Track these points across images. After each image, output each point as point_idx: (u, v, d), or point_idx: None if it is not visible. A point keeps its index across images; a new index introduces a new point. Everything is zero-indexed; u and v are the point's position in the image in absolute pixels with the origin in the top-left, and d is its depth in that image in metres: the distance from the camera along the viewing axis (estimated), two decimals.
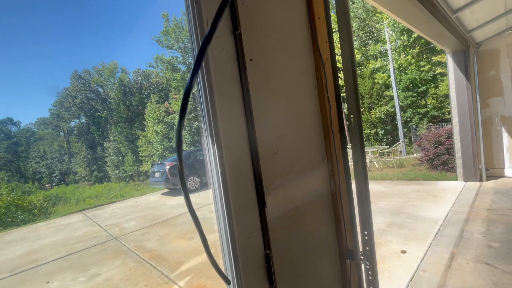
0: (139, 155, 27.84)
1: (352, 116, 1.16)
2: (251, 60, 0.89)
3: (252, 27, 0.90)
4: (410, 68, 18.54)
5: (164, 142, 24.52)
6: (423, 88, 18.25)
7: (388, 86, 19.68)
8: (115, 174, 31.64)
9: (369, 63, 20.73)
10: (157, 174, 10.14)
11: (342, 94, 2.36)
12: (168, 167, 9.71)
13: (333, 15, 1.33)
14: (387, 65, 19.37)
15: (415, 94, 18.48)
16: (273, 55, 0.98)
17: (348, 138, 5.50)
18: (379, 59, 20.72)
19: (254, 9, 0.91)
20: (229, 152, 0.81)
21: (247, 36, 0.87)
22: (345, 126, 1.27)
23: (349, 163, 1.27)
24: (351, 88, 1.16)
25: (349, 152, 3.43)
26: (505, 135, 5.32)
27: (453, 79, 5.34)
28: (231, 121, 0.83)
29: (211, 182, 0.84)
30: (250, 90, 0.87)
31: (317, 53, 1.17)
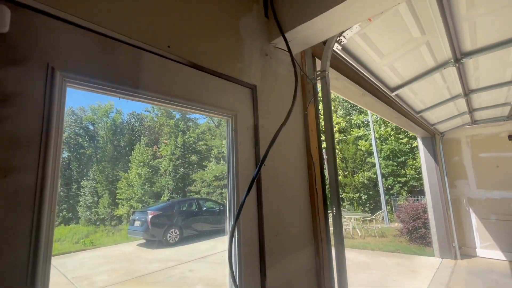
0: (116, 197, 26.55)
1: (334, 208, 1.50)
2: (264, 165, 1.26)
3: (265, 141, 1.29)
4: (389, 139, 20.19)
5: (146, 186, 23.86)
6: (402, 159, 19.59)
7: (370, 154, 21.01)
8: (86, 216, 29.46)
9: (353, 130, 22.47)
10: (137, 223, 9.73)
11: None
12: (150, 216, 9.42)
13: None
14: (369, 134, 21.02)
15: (395, 163, 19.72)
16: (278, 160, 1.36)
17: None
18: (362, 128, 22.56)
19: (268, 131, 1.32)
20: (244, 234, 1.11)
21: (262, 148, 1.26)
22: (329, 213, 1.60)
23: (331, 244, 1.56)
24: (334, 187, 1.53)
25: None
26: (473, 215, 5.81)
27: (424, 160, 6.05)
28: (247, 213, 1.15)
29: (234, 258, 1.10)
30: (262, 189, 1.21)
31: (310, 156, 1.57)
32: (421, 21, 1.74)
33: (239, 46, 1.25)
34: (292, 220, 1.39)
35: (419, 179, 17.71)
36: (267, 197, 1.24)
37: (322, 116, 1.66)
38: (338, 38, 1.62)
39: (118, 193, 26.01)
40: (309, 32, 1.34)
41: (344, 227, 9.61)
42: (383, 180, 19.09)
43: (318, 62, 1.78)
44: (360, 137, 22.23)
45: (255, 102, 1.28)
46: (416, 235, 7.75)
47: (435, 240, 5.79)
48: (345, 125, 23.00)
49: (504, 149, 5.53)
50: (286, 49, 1.36)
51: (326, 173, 1.62)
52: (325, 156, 1.63)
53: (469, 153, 5.96)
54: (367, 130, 21.34)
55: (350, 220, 10.09)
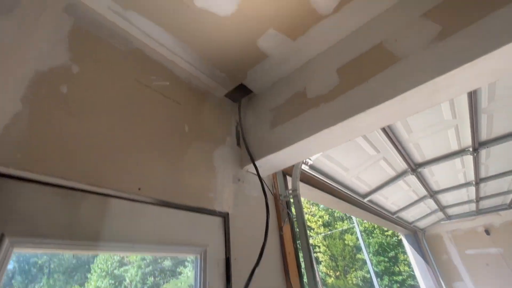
0: None
1: None
2: None
3: (238, 276, 1.18)
4: (375, 231, 19.63)
5: None
6: (392, 253, 18.52)
7: (359, 249, 19.82)
8: None
9: (337, 223, 21.86)
10: None
11: None
12: None
13: None
14: (353, 227, 20.46)
15: (386, 259, 18.47)
16: None
17: None
18: (346, 221, 22.10)
19: (242, 264, 1.23)
20: None
21: (235, 285, 1.13)
22: None
23: None
24: None
25: None
26: None
27: (413, 259, 5.76)
28: None
29: None
30: None
31: (289, 284, 1.43)
32: (374, 143, 2.02)
33: (212, 177, 1.32)
34: None
35: (415, 277, 16.34)
36: None
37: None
38: (304, 161, 1.79)
39: None
40: (276, 161, 1.48)
41: None
42: (379, 280, 17.35)
43: (289, 178, 1.90)
44: (346, 231, 21.47)
45: (227, 231, 1.24)
46: None
47: None
48: (329, 218, 22.54)
49: (486, 244, 5.50)
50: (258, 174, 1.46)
51: None
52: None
53: (455, 251, 5.82)
54: (351, 223, 20.91)
55: None
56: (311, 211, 22.00)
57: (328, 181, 2.26)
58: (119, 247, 0.84)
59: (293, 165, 1.77)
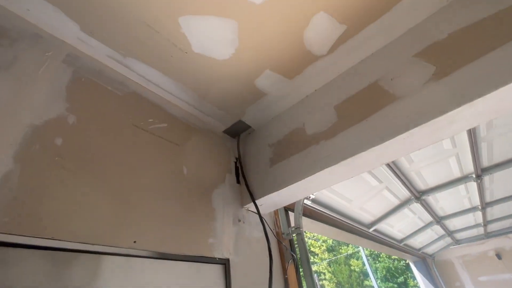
0: None
1: None
2: None
3: None
4: (381, 256, 18.88)
5: None
6: (401, 279, 17.65)
7: (366, 274, 18.92)
8: None
9: (341, 248, 21.07)
10: None
11: None
12: None
13: None
14: (359, 251, 19.71)
15: (395, 285, 17.57)
16: None
17: None
18: (350, 245, 21.33)
19: None
20: None
21: None
22: None
23: None
24: None
25: None
26: None
27: (423, 287, 5.46)
28: None
29: None
30: None
31: None
32: (376, 175, 1.99)
33: (211, 220, 1.27)
34: None
35: None
36: None
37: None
38: (307, 196, 1.75)
39: None
40: (277, 199, 1.44)
41: None
42: None
43: (291, 214, 1.84)
44: (351, 256, 20.65)
45: (228, 279, 1.17)
46: None
47: None
48: (333, 243, 21.79)
49: (498, 269, 5.26)
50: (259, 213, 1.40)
51: None
52: None
53: (467, 278, 5.55)
54: (356, 247, 20.19)
55: None
56: (314, 236, 21.32)
57: (331, 214, 2.19)
58: None
59: (295, 202, 1.72)
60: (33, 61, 0.94)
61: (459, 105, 0.95)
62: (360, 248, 18.01)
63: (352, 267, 19.59)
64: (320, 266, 20.33)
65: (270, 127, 1.64)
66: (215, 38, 1.16)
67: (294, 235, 1.63)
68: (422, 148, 1.18)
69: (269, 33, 1.16)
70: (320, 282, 19.58)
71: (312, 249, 21.02)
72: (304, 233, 1.69)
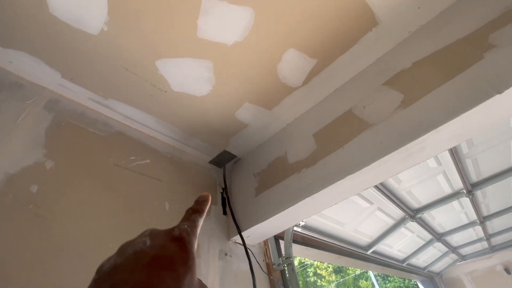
0: None
1: None
2: None
3: None
4: (391, 275, 18.12)
5: None
6: None
7: None
8: None
9: (349, 269, 20.25)
10: None
11: None
12: None
13: None
14: (367, 272, 18.93)
15: None
16: None
17: None
18: None
19: None
20: None
21: None
22: None
23: None
24: None
25: None
26: None
27: None
28: None
29: None
30: None
31: None
32: (365, 196, 1.98)
33: (196, 258, 1.24)
34: None
35: None
36: None
37: None
38: (294, 224, 1.73)
39: None
40: (263, 230, 1.42)
41: None
42: None
43: (282, 242, 1.80)
44: (359, 276, 19.81)
45: None
46: None
47: None
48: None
49: (508, 285, 5.06)
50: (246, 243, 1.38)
51: None
52: None
53: None
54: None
55: None
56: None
57: (324, 239, 2.15)
58: None
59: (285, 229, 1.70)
60: (13, 110, 0.97)
61: (426, 131, 0.98)
62: None
63: None
64: None
65: (255, 156, 1.66)
66: (192, 77, 1.21)
67: (285, 265, 1.59)
68: (399, 172, 1.19)
69: (244, 69, 1.22)
70: None
71: (318, 271, 20.18)
72: (303, 261, 1.64)
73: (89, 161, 1.09)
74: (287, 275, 1.56)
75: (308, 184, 1.26)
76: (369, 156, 1.11)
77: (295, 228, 1.83)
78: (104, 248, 0.94)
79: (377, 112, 1.18)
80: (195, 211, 0.42)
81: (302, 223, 1.76)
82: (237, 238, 1.47)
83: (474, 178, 2.16)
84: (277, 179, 1.42)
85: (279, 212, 1.30)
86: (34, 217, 0.84)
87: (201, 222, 0.42)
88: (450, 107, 0.96)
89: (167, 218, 1.24)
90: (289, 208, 1.27)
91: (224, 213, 1.57)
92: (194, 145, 1.60)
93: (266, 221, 1.34)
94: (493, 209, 2.94)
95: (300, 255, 2.24)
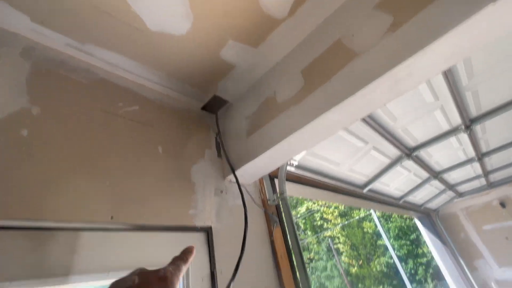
0: None
1: None
2: None
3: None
4: (393, 216, 19.30)
5: None
6: (413, 236, 18.19)
7: (379, 235, 19.56)
8: None
9: (353, 212, 21.61)
10: None
11: None
12: None
13: None
14: (370, 214, 20.18)
15: (408, 242, 18.17)
16: None
17: None
18: (362, 209, 21.84)
19: (228, 276, 1.24)
20: None
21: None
22: None
23: None
24: None
25: None
26: None
27: (429, 241, 5.65)
28: None
29: None
30: None
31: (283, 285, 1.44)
32: (359, 135, 2.00)
33: (192, 194, 1.34)
34: None
35: None
36: None
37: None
38: (289, 162, 1.79)
39: None
40: (255, 168, 1.49)
41: None
42: (403, 264, 17.09)
43: (277, 181, 1.90)
44: (363, 219, 21.21)
45: (211, 245, 1.26)
46: None
47: None
48: (345, 208, 22.26)
49: (502, 218, 5.34)
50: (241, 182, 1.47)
51: None
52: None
53: (472, 228, 5.68)
54: (368, 211, 20.64)
55: None
56: (325, 203, 21.86)
57: (320, 178, 2.25)
58: (93, 277, 0.87)
59: (278, 169, 1.78)
60: None
61: (412, 53, 0.94)
62: (372, 211, 18.41)
63: (365, 229, 20.23)
64: (334, 231, 21.07)
65: (246, 99, 1.65)
66: (168, 13, 1.14)
67: (279, 200, 1.71)
68: (386, 103, 1.18)
69: (222, 1, 1.14)
70: (335, 246, 20.42)
71: (325, 216, 21.66)
72: (310, 207, 1.75)
73: (76, 107, 1.11)
74: (282, 209, 1.69)
75: (294, 120, 1.27)
76: (354, 85, 1.08)
77: (289, 169, 1.91)
78: (97, 182, 1.02)
79: (365, 39, 1.12)
80: (180, 258, 0.51)
81: (295, 163, 1.83)
82: (232, 177, 1.55)
83: (473, 112, 2.11)
84: (266, 119, 1.43)
85: (268, 149, 1.34)
86: (29, 157, 0.90)
87: (184, 268, 0.50)
88: (438, 25, 0.90)
89: (161, 160, 1.30)
90: (277, 145, 1.31)
91: (219, 155, 1.63)
92: (184, 91, 1.59)
93: (257, 159, 1.40)
94: (493, 145, 2.94)
95: (296, 194, 2.38)
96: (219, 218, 1.39)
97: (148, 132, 1.33)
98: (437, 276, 15.61)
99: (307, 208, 22.32)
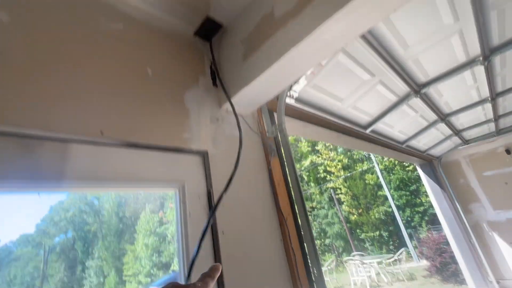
0: (123, 273, 24.72)
1: (314, 270, 1.36)
2: (223, 233, 1.18)
3: (222, 206, 1.23)
4: (395, 168, 19.73)
5: (154, 257, 22.43)
6: (413, 187, 18.83)
7: (380, 187, 20.32)
8: None
9: (356, 165, 22.13)
10: None
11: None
12: None
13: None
14: (373, 167, 20.64)
15: (407, 192, 18.90)
16: (242, 225, 1.29)
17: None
18: (365, 162, 22.27)
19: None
20: None
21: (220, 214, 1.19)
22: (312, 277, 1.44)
23: None
24: (309, 240, 1.42)
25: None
26: (499, 241, 5.29)
27: (429, 188, 5.80)
28: None
29: None
30: (222, 261, 1.11)
31: (280, 212, 1.49)
32: (366, 66, 1.86)
33: (186, 118, 1.30)
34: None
35: None
36: (230, 270, 1.13)
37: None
38: (288, 93, 1.71)
39: (125, 268, 24.24)
40: (252, 94, 1.42)
41: (367, 274, 8.69)
42: (401, 212, 18.05)
43: (276, 115, 1.85)
44: (366, 171, 21.78)
45: (207, 168, 1.27)
46: (447, 272, 6.94)
47: (467, 276, 5.16)
48: (348, 161, 22.70)
49: (506, 163, 5.35)
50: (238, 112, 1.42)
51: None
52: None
53: (472, 174, 5.75)
54: (371, 163, 21.05)
55: (372, 265, 9.17)
56: (329, 157, 22.27)
57: (322, 114, 2.18)
58: (87, 186, 0.88)
59: (277, 100, 1.70)
60: None
61: None
62: (374, 163, 18.76)
63: (366, 181, 20.92)
64: (336, 183, 21.89)
65: (241, 21, 1.50)
66: None
67: (278, 131, 1.67)
68: (395, 9, 1.03)
69: None
70: (337, 196, 21.45)
71: (328, 168, 22.27)
72: (314, 161, 1.72)
73: (50, 18, 1.01)
74: (280, 140, 1.67)
75: (293, 35, 1.15)
76: None
77: (288, 101, 1.84)
78: (83, 94, 0.97)
79: None
80: (208, 276, 0.55)
81: (295, 94, 1.75)
82: (228, 106, 1.50)
83: (496, 39, 1.90)
84: (263, 38, 1.31)
85: (264, 71, 1.25)
86: (6, 66, 0.84)
87: (211, 285, 0.54)
88: None
89: (151, 82, 1.24)
90: (275, 64, 1.21)
91: (214, 84, 1.56)
92: (173, 11, 1.43)
93: (254, 81, 1.32)
94: (510, 83, 2.75)
95: (298, 133, 2.34)
96: (216, 145, 1.37)
97: (135, 53, 1.24)
98: (432, 222, 16.55)
99: (311, 162, 22.85)
